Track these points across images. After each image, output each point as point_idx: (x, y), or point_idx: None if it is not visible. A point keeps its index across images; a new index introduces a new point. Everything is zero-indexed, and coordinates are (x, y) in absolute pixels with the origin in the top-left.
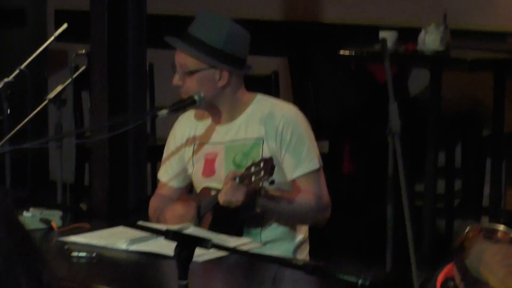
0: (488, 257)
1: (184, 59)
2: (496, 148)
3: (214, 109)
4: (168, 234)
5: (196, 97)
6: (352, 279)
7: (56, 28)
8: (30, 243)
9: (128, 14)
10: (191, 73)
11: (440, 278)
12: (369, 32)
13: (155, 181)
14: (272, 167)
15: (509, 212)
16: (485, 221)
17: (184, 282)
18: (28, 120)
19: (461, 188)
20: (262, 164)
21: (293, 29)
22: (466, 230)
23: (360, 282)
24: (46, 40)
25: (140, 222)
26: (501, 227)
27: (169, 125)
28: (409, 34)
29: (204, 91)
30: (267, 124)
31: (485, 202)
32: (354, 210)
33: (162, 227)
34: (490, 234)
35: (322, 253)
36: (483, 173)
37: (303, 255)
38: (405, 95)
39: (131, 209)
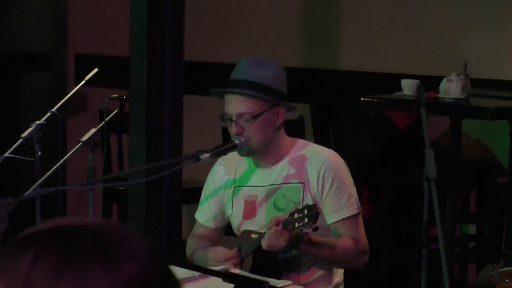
0: None
1: (244, 105)
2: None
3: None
4: (226, 276)
5: (237, 141)
6: None
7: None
8: None
9: (166, 61)
10: (256, 117)
11: None
12: (389, 80)
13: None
14: (317, 214)
15: None
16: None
17: None
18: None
19: (476, 232)
20: (306, 211)
21: (314, 76)
22: (495, 275)
23: None
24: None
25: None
26: None
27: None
28: (429, 82)
29: (266, 134)
30: (308, 168)
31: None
32: (373, 253)
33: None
34: None
35: None
36: (502, 219)
37: None
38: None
39: (165, 251)
